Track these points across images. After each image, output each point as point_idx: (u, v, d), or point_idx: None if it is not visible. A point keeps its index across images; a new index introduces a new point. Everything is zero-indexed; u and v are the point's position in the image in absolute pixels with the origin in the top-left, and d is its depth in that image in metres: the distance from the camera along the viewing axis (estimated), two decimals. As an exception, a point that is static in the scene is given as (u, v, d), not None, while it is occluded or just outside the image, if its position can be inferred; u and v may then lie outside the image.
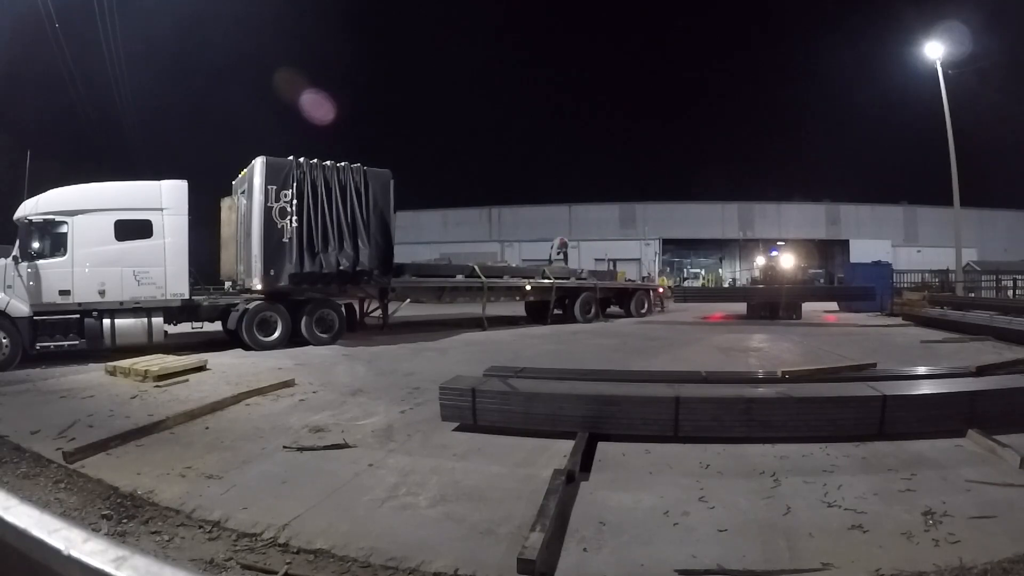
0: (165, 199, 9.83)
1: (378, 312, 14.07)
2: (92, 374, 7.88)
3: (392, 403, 6.11)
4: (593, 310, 16.56)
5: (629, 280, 22.20)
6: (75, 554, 0.71)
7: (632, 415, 4.70)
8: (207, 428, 5.24)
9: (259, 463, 4.28)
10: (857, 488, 3.58)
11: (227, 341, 10.71)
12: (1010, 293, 22.28)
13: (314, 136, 32.87)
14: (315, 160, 11.12)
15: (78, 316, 9.07)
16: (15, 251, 8.84)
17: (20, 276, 8.72)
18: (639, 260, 37.19)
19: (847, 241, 39.17)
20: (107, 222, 9.33)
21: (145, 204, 9.72)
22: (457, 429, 5.00)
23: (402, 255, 14.12)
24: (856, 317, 17.39)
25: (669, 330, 14.22)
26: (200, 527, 3.23)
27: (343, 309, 11.90)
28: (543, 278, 16.25)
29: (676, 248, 44.13)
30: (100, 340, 9.11)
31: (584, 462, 4.05)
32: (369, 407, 5.97)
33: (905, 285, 23.62)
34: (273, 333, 10.62)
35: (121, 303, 9.37)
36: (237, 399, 6.20)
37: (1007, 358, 7.92)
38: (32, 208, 9.09)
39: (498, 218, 42.90)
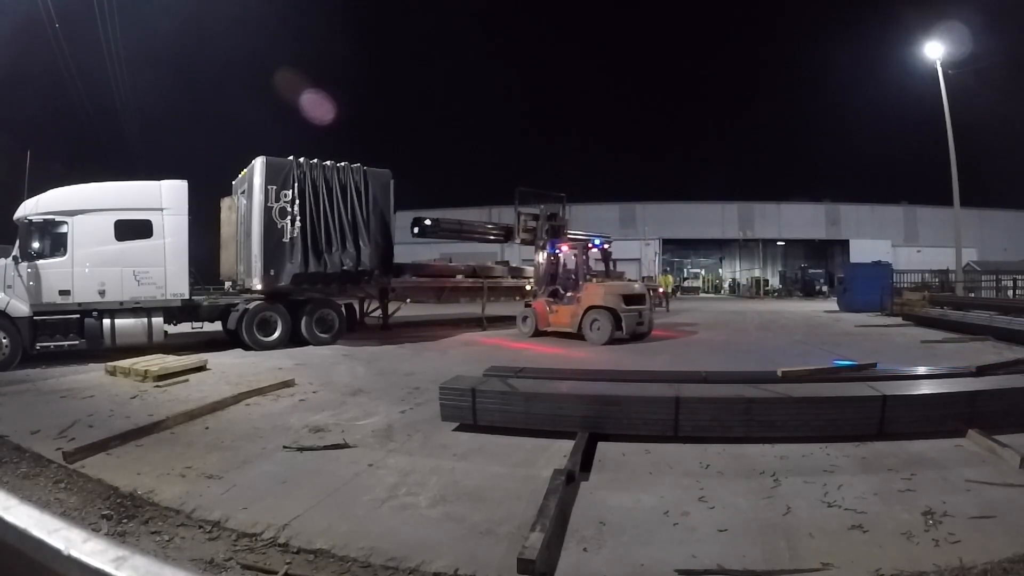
0: (165, 199, 9.84)
1: (378, 312, 14.08)
2: (92, 374, 7.88)
3: (392, 403, 6.12)
4: (593, 310, 16.52)
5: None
6: (75, 554, 0.71)
7: (632, 415, 4.70)
8: (207, 428, 5.24)
9: (259, 463, 4.29)
10: (857, 488, 3.58)
11: (227, 341, 10.72)
12: (1010, 293, 22.25)
13: (314, 136, 32.86)
14: (315, 160, 11.14)
15: (78, 316, 9.07)
16: (15, 251, 8.84)
17: (20, 276, 8.73)
18: (639, 260, 37.14)
19: (847, 241, 39.15)
20: (107, 222, 9.33)
21: (145, 204, 9.73)
22: (457, 429, 5.00)
23: (402, 255, 14.11)
24: (856, 317, 17.37)
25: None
26: (200, 527, 3.23)
27: (343, 309, 11.92)
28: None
29: (676, 248, 44.03)
30: (100, 340, 9.11)
31: (584, 462, 4.05)
32: (369, 407, 5.97)
33: (905, 285, 23.59)
34: (273, 333, 10.63)
35: (121, 303, 9.37)
36: (237, 399, 6.20)
37: (1007, 358, 7.92)
38: (32, 208, 9.09)
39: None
